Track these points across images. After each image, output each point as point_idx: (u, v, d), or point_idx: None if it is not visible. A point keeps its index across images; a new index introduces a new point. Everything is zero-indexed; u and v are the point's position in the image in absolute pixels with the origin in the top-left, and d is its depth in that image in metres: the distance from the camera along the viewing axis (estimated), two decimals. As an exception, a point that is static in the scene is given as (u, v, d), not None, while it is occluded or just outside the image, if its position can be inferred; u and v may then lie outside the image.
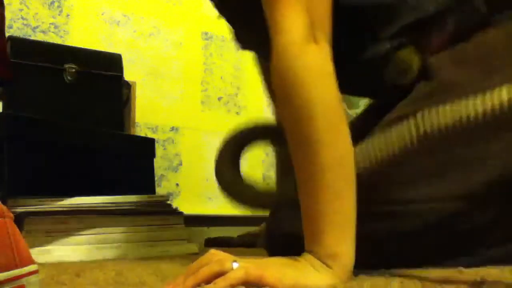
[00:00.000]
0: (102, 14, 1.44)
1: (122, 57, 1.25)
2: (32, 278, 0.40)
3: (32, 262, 0.40)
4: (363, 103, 1.24)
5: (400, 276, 0.53)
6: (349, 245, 0.50)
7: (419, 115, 0.53)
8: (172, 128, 1.51)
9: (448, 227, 0.61)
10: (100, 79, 1.19)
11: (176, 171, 1.49)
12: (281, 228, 0.67)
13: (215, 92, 1.54)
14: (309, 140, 0.51)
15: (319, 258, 0.49)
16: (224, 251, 0.48)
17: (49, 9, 1.35)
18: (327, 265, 0.48)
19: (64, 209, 0.90)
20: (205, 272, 0.45)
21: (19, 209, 0.85)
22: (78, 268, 0.67)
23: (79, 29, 1.39)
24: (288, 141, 0.54)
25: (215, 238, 1.19)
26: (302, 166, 0.52)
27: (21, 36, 1.26)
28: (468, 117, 0.51)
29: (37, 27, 1.33)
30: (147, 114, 1.46)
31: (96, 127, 1.14)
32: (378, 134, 0.59)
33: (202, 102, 1.56)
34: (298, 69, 0.53)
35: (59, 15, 1.37)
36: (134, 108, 1.32)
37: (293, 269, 0.48)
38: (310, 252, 0.50)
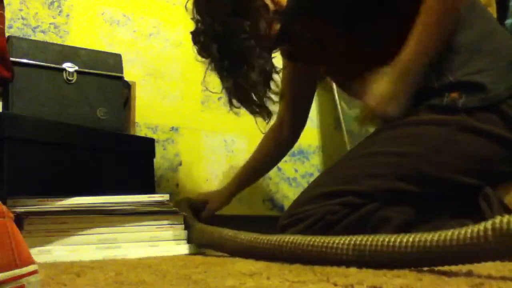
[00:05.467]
0: (102, 14, 1.44)
1: (122, 57, 1.25)
2: (32, 278, 0.40)
3: (32, 262, 0.40)
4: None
5: (399, 276, 0.53)
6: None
7: None
8: (172, 128, 1.51)
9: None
10: (100, 79, 1.19)
11: (176, 171, 1.49)
12: None
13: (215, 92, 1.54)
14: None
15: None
16: None
17: (49, 9, 1.35)
18: None
19: (64, 209, 0.90)
20: None
21: (19, 209, 0.85)
22: (78, 268, 0.67)
23: (79, 29, 1.39)
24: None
25: None
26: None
27: (21, 36, 1.26)
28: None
29: (37, 27, 1.32)
30: (147, 114, 1.46)
31: (96, 127, 1.14)
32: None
33: (202, 102, 1.56)
34: None
35: (59, 15, 1.37)
36: (134, 108, 1.32)
37: None
38: None
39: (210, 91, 1.10)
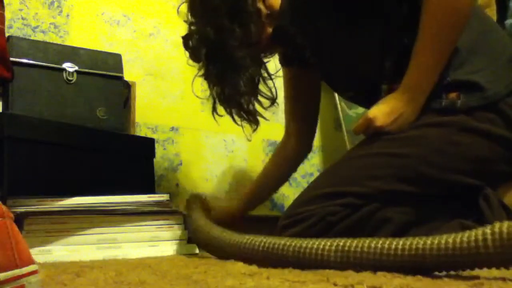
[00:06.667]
0: (102, 14, 1.44)
1: (122, 57, 1.25)
2: (32, 278, 0.40)
3: (32, 262, 0.40)
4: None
5: (399, 276, 0.53)
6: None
7: None
8: (172, 128, 1.51)
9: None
10: (100, 79, 1.19)
11: (176, 171, 1.49)
12: None
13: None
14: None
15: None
16: None
17: (49, 9, 1.35)
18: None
19: (64, 209, 0.90)
20: None
21: (19, 209, 0.85)
22: (78, 268, 0.67)
23: (79, 29, 1.39)
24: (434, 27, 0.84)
25: None
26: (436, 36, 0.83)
27: (21, 36, 1.26)
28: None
29: (37, 27, 1.32)
30: (147, 114, 1.46)
31: (96, 127, 1.14)
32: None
33: (202, 102, 1.56)
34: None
35: (59, 15, 1.37)
36: (134, 108, 1.32)
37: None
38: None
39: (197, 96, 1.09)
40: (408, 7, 0.89)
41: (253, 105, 1.00)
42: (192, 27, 1.01)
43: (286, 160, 1.26)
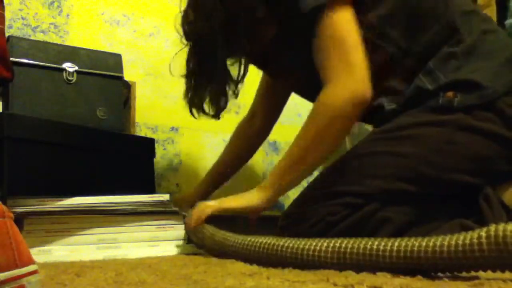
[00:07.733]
0: (102, 14, 1.44)
1: (122, 57, 1.25)
2: (32, 278, 0.40)
3: (32, 262, 0.40)
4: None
5: (399, 276, 0.53)
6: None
7: None
8: (172, 128, 1.51)
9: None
10: (100, 79, 1.19)
11: (176, 171, 1.49)
12: None
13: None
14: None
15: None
16: None
17: (49, 9, 1.35)
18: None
19: (64, 209, 0.90)
20: None
21: (19, 209, 0.85)
22: (78, 268, 0.67)
23: (79, 29, 1.39)
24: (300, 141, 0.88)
25: None
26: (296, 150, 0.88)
27: (21, 36, 1.26)
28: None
29: (37, 27, 1.32)
30: (147, 114, 1.46)
31: (96, 127, 1.14)
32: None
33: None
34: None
35: (59, 15, 1.37)
36: (134, 108, 1.32)
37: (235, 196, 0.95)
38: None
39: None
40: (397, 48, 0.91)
41: (224, 102, 1.03)
42: (189, 12, 1.01)
43: (249, 139, 1.28)
